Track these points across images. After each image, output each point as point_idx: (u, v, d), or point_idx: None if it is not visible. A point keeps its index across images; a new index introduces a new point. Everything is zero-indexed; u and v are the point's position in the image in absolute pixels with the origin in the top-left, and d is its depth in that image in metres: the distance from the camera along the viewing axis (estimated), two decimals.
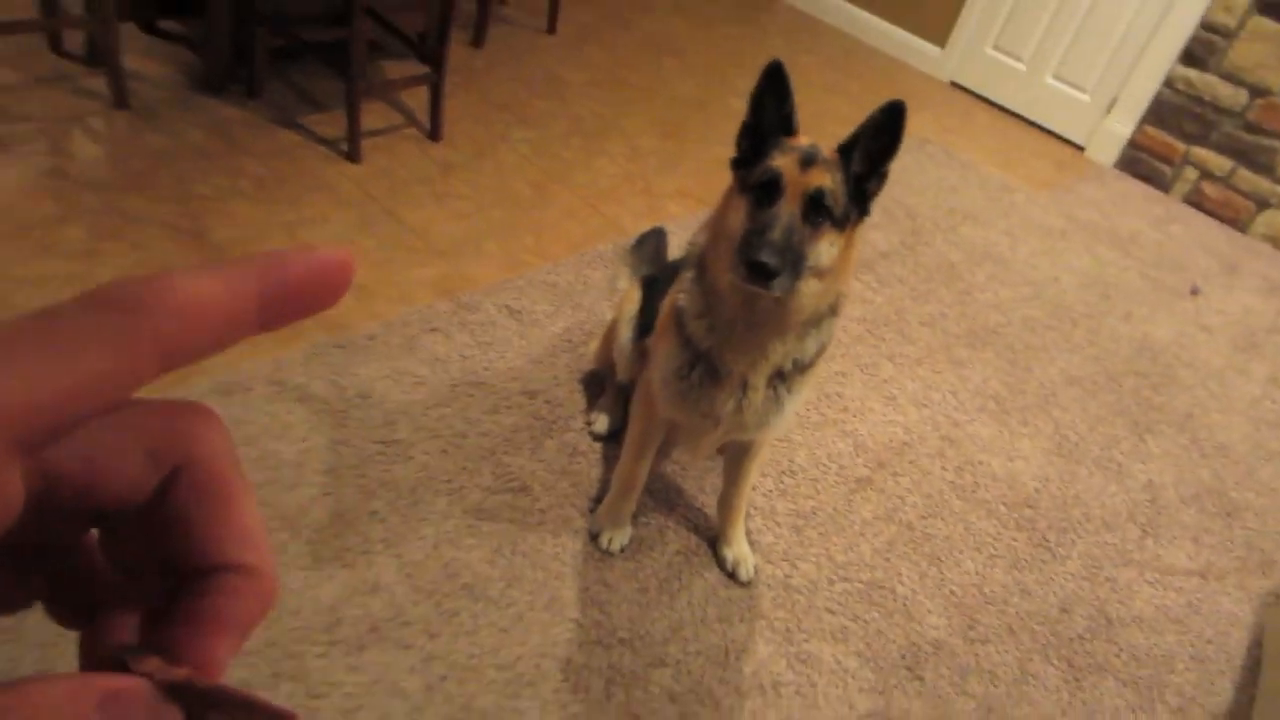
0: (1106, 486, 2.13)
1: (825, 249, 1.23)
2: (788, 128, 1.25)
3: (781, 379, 1.35)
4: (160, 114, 2.47)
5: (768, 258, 1.17)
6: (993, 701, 1.56)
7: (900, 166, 3.15)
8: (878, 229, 2.93)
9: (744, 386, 1.35)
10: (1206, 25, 3.78)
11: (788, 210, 1.21)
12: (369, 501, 1.57)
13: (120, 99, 2.43)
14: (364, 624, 1.38)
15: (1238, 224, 3.92)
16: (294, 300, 0.21)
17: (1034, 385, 2.41)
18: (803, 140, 1.25)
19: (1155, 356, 2.72)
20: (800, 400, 1.40)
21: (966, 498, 1.97)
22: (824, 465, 1.93)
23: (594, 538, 1.61)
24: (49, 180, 2.12)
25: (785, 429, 1.75)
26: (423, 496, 1.60)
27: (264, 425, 1.65)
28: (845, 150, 1.24)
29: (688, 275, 1.36)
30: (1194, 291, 3.23)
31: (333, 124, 2.65)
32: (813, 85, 4.00)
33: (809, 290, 1.25)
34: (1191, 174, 4.00)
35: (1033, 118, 4.35)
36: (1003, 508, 1.97)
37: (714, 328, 1.32)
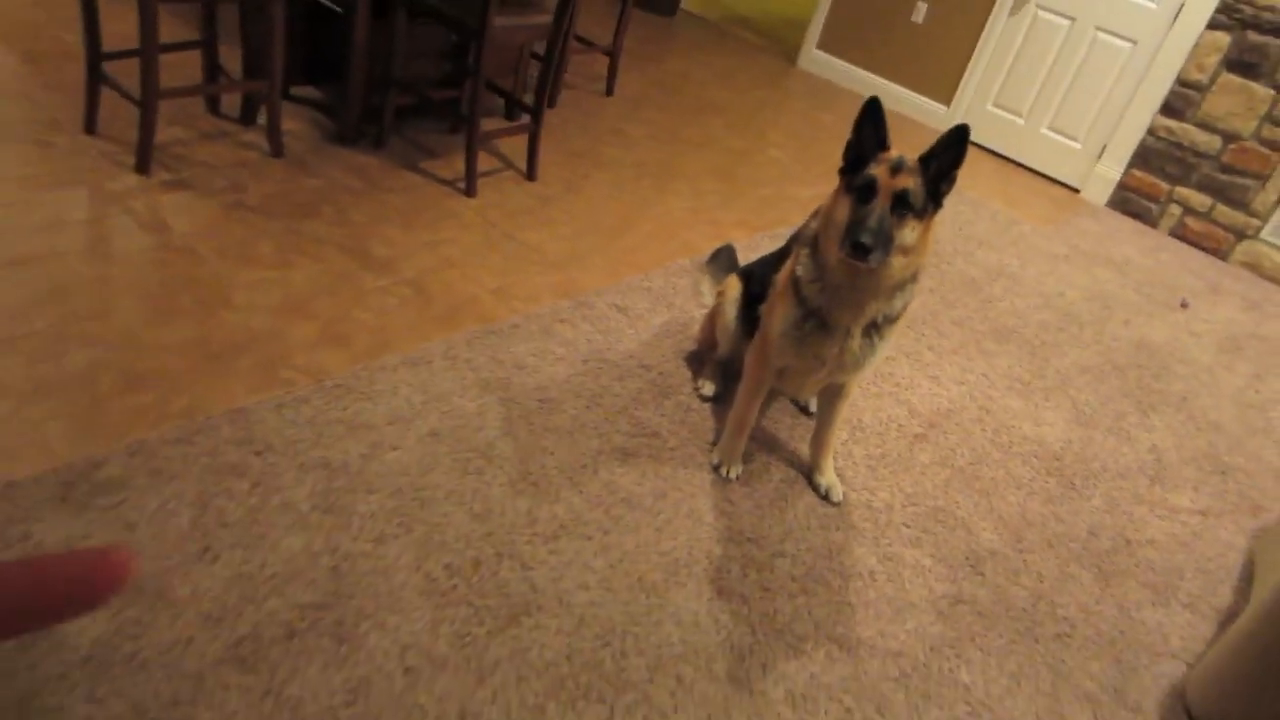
0: (1119, 448, 2.55)
1: (908, 233, 1.67)
2: (883, 144, 1.69)
3: (875, 329, 1.79)
4: (308, 161, 2.95)
5: (867, 240, 1.61)
6: (1041, 591, 1.95)
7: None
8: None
9: (846, 335, 1.78)
10: (1182, 81, 4.33)
11: (881, 205, 1.64)
12: (540, 440, 1.98)
13: (277, 150, 2.91)
14: (554, 523, 1.79)
15: (1220, 253, 4.40)
16: (54, 610, 0.27)
17: (1051, 372, 2.85)
18: (893, 153, 1.69)
19: (1152, 354, 3.16)
20: (887, 346, 1.83)
21: (1005, 451, 2.38)
22: (886, 424, 2.35)
23: (715, 468, 2.03)
24: (235, 211, 2.58)
25: (871, 373, 2.17)
26: (579, 439, 2.02)
27: (448, 387, 2.07)
28: (925, 160, 1.68)
29: (803, 251, 1.80)
30: (1183, 305, 3.68)
31: (446, 167, 3.13)
32: (833, 138, 4.51)
33: (896, 264, 1.68)
34: (1176, 210, 4.50)
35: (1032, 164, 4.87)
36: (1035, 459, 2.39)
37: (824, 291, 1.76)
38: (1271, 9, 4.02)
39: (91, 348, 1.92)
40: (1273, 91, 4.10)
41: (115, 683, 1.30)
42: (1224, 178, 4.31)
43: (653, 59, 5.02)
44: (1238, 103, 4.20)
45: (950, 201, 4.02)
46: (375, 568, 1.59)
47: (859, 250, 1.61)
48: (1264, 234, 4.29)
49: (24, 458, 1.62)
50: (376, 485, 1.76)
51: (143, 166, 2.60)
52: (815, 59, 5.59)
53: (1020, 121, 4.85)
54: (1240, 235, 4.34)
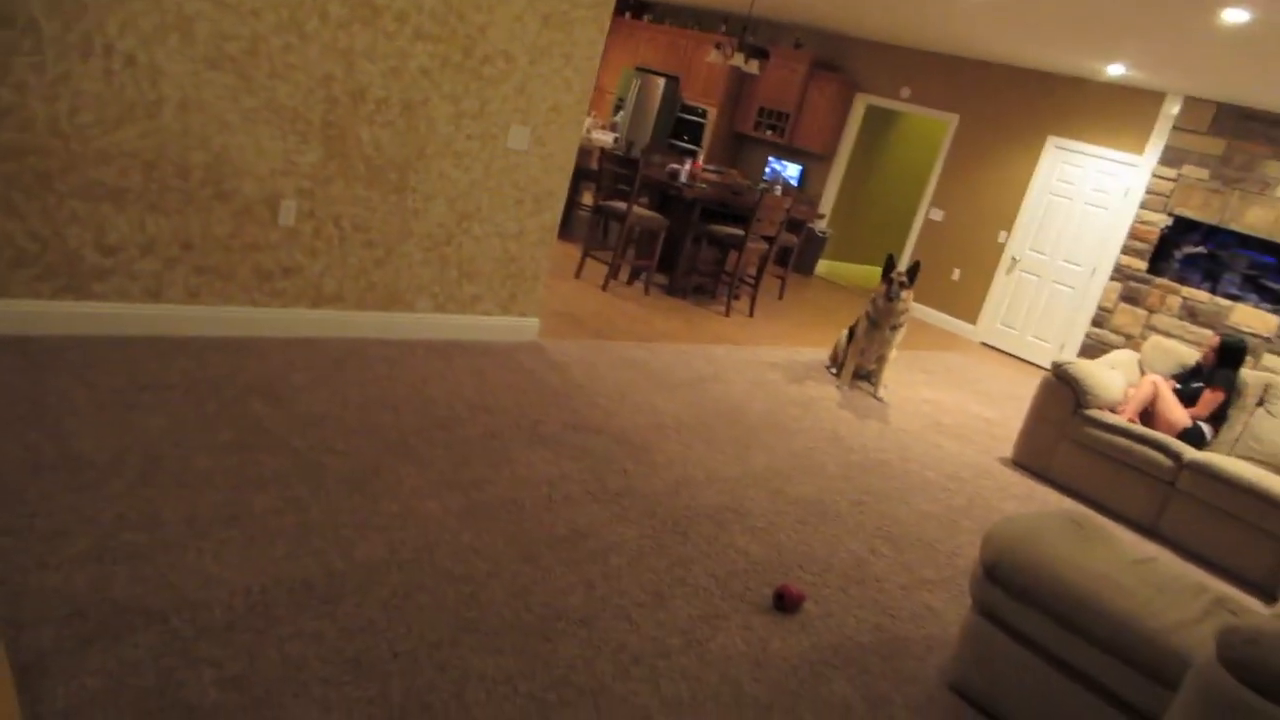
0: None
1: (904, 294, 5.26)
2: (894, 266, 5.33)
3: (894, 328, 5.32)
4: (658, 298, 6.77)
5: (892, 295, 5.22)
6: (968, 434, 5.22)
7: (956, 363, 7.25)
8: (941, 372, 6.87)
9: (883, 329, 5.32)
10: (1100, 308, 7.81)
11: (896, 283, 5.26)
12: (783, 369, 5.49)
13: (646, 291, 6.76)
14: (788, 384, 5.25)
15: None
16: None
17: (1000, 405, 6.15)
18: (899, 268, 5.31)
19: None
20: (899, 336, 5.35)
21: (966, 414, 5.70)
22: (909, 398, 5.74)
23: (838, 387, 5.47)
24: (641, 306, 6.35)
25: (894, 348, 5.63)
26: (791, 375, 5.51)
27: (739, 351, 5.64)
28: (908, 269, 5.30)
29: (870, 302, 5.39)
30: None
31: (714, 307, 6.89)
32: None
33: (899, 305, 5.27)
34: None
35: (1024, 356, 8.30)
36: (978, 418, 5.68)
37: (876, 313, 5.33)
38: (1140, 270, 7.56)
39: (624, 329, 5.63)
40: (1146, 312, 7.52)
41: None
42: None
43: (800, 291, 8.92)
44: (1131, 320, 7.62)
45: (971, 366, 7.55)
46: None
47: (889, 299, 5.22)
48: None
49: (618, 340, 5.28)
50: (724, 370, 5.29)
51: (604, 287, 6.47)
52: None
53: (1015, 332, 8.37)
54: None
